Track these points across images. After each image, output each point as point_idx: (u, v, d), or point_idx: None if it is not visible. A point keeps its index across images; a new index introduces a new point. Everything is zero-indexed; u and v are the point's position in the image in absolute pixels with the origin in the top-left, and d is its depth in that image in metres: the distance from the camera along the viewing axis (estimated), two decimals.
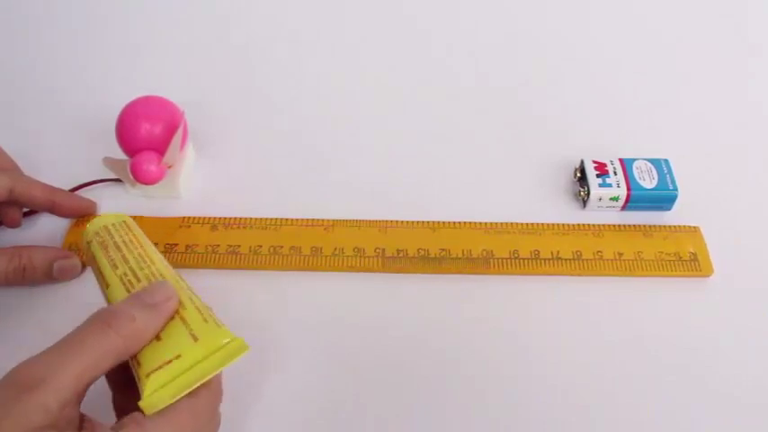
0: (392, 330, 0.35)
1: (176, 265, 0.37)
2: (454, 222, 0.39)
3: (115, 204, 0.40)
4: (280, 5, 0.53)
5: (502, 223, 0.39)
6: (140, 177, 0.37)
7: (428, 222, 0.39)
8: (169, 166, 0.39)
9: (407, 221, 0.39)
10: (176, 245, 0.38)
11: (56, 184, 0.40)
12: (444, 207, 0.40)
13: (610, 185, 0.39)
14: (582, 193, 0.40)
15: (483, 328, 0.35)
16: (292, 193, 0.41)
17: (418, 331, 0.35)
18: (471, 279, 0.37)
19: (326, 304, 0.36)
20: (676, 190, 0.39)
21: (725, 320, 0.36)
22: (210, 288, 0.37)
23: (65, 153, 0.42)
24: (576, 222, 0.39)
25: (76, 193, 0.40)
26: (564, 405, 0.33)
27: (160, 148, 0.38)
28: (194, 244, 0.38)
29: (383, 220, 0.39)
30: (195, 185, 0.41)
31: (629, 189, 0.39)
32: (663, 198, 0.39)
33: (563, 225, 0.39)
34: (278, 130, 0.44)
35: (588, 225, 0.39)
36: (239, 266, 0.37)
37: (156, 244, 0.37)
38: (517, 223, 0.39)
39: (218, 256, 0.37)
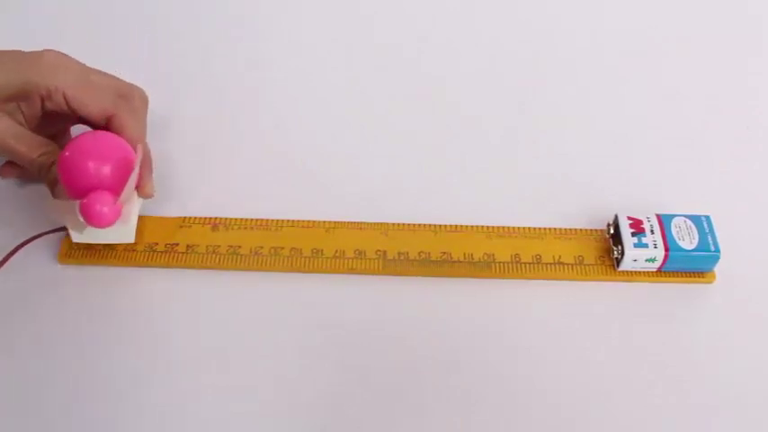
0: (392, 333, 0.35)
1: (177, 264, 0.37)
2: (456, 225, 0.39)
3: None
4: (275, 8, 0.53)
5: (504, 227, 0.39)
6: (93, 220, 0.33)
7: (430, 225, 0.39)
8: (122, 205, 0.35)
9: (409, 224, 0.39)
10: (177, 245, 0.38)
11: None
12: (446, 210, 0.39)
13: (646, 245, 0.36)
14: (615, 253, 0.37)
15: (484, 332, 0.35)
16: (294, 194, 0.41)
17: (419, 334, 0.35)
18: (472, 282, 0.37)
19: (327, 306, 0.36)
20: (718, 252, 0.36)
21: (728, 327, 0.36)
22: (211, 288, 0.37)
23: None
24: (578, 227, 0.39)
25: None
26: (565, 410, 0.33)
27: (112, 186, 0.34)
28: (195, 244, 0.38)
29: (385, 223, 0.39)
30: (197, 186, 0.41)
31: (666, 250, 0.36)
32: (703, 260, 0.36)
33: (565, 230, 0.39)
34: (281, 131, 0.44)
35: (590, 230, 0.39)
36: (240, 267, 0.37)
37: (156, 243, 0.38)
38: (519, 227, 0.39)
39: (218, 256, 0.37)
